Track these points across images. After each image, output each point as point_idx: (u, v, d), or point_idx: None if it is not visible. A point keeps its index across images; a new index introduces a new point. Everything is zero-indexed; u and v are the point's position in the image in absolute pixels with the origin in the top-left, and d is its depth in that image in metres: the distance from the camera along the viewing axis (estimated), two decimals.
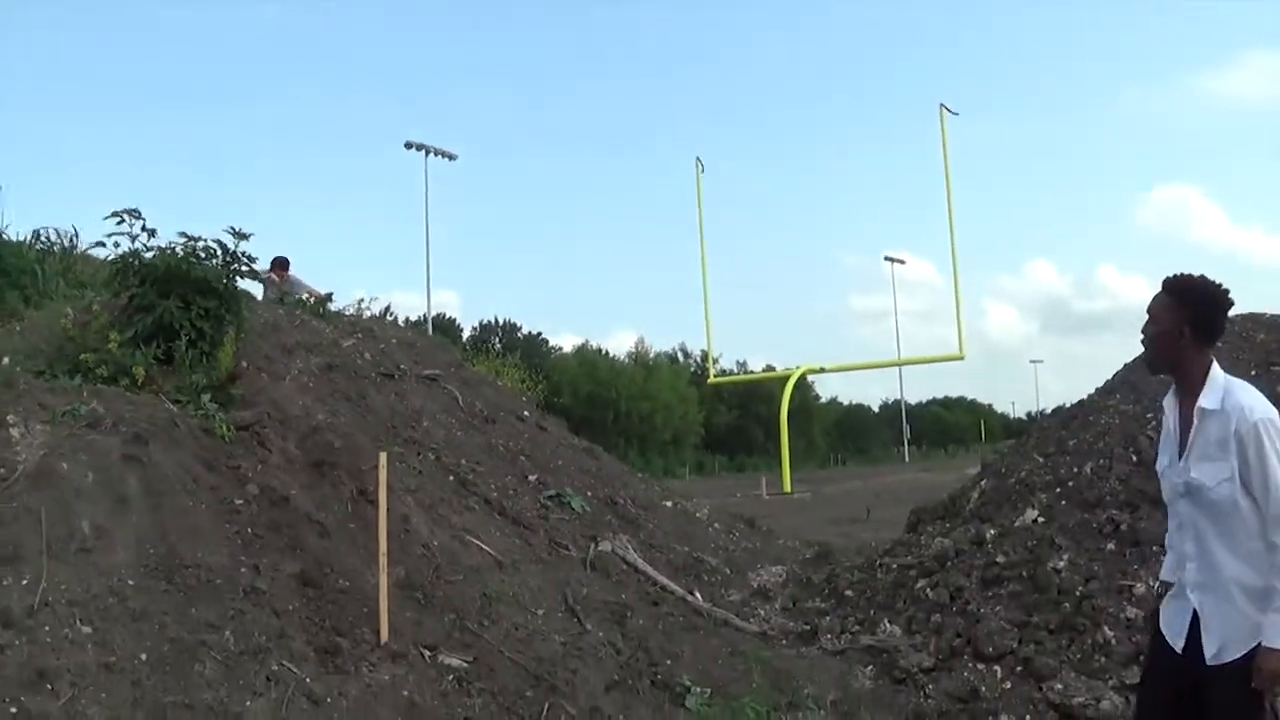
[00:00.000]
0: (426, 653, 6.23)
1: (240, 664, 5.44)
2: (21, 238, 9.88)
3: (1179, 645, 3.66)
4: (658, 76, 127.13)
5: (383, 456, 6.40)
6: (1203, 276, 3.65)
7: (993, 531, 7.91)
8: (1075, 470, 8.09)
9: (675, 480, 55.06)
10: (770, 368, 60.81)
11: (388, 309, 55.98)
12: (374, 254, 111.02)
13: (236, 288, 8.31)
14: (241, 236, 8.26)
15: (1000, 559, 7.49)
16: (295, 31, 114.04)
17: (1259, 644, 3.38)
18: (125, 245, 8.17)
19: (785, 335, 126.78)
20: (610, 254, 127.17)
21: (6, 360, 7.50)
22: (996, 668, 6.62)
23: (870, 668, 7.12)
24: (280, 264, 13.73)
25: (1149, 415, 8.19)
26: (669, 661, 7.16)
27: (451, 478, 8.39)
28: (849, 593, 8.48)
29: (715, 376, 39.93)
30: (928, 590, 7.64)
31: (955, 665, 6.82)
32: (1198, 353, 3.61)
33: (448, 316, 60.10)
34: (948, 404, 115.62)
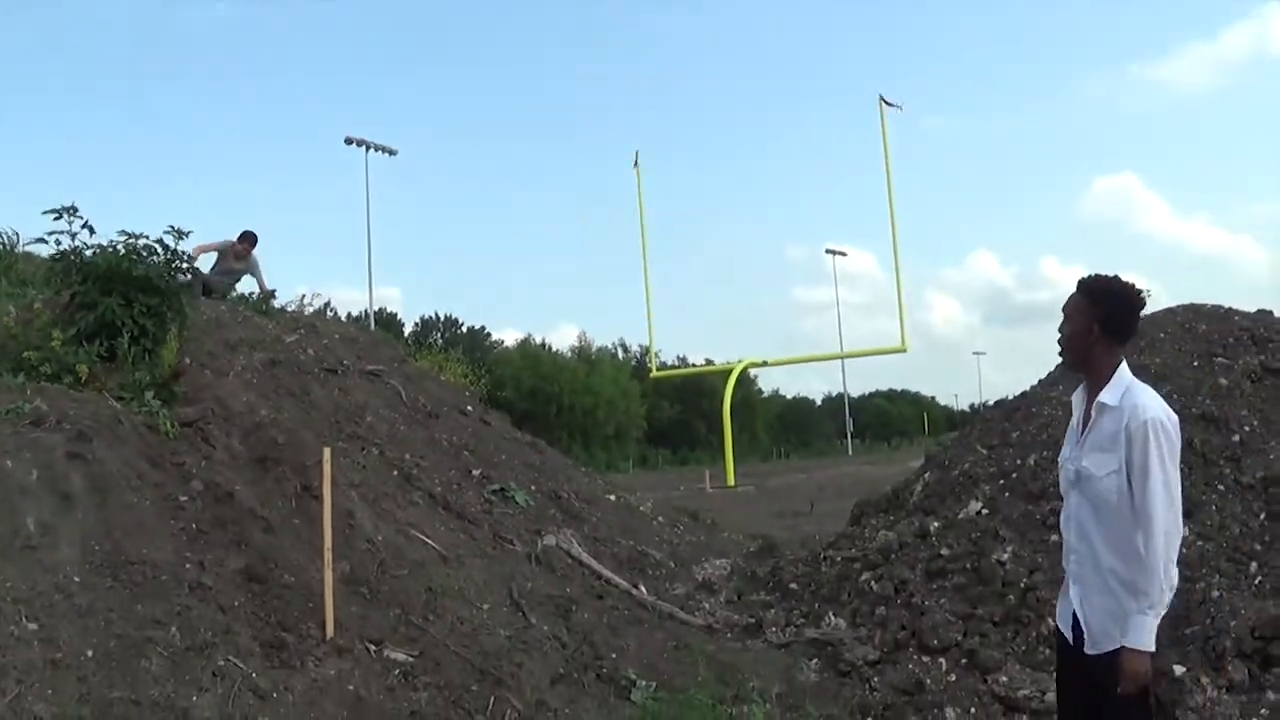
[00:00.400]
0: (372, 647, 6.30)
1: (186, 659, 5.49)
2: None
3: (1070, 636, 3.86)
4: (598, 70, 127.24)
5: (326, 452, 6.46)
6: (1116, 277, 3.83)
7: (936, 524, 8.10)
8: (1019, 462, 8.31)
9: (618, 474, 55.18)
10: (711, 361, 61.36)
11: (328, 305, 55.56)
12: (316, 250, 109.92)
13: (178, 285, 8.30)
14: (181, 235, 8.26)
15: (944, 551, 7.68)
16: (237, 24, 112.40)
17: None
18: (65, 243, 8.13)
19: (729, 329, 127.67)
20: (552, 249, 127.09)
21: None
22: (941, 660, 6.78)
23: (815, 660, 7.27)
24: (248, 238, 13.17)
25: None
26: (614, 655, 7.28)
27: (395, 472, 8.45)
28: (793, 586, 8.65)
29: (657, 370, 40.04)
30: (872, 583, 7.81)
31: (900, 658, 6.98)
32: (1107, 351, 3.77)
33: (389, 312, 59.82)
34: (891, 397, 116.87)
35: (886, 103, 29.32)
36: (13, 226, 10.51)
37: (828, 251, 73.59)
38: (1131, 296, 3.78)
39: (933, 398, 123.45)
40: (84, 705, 5.05)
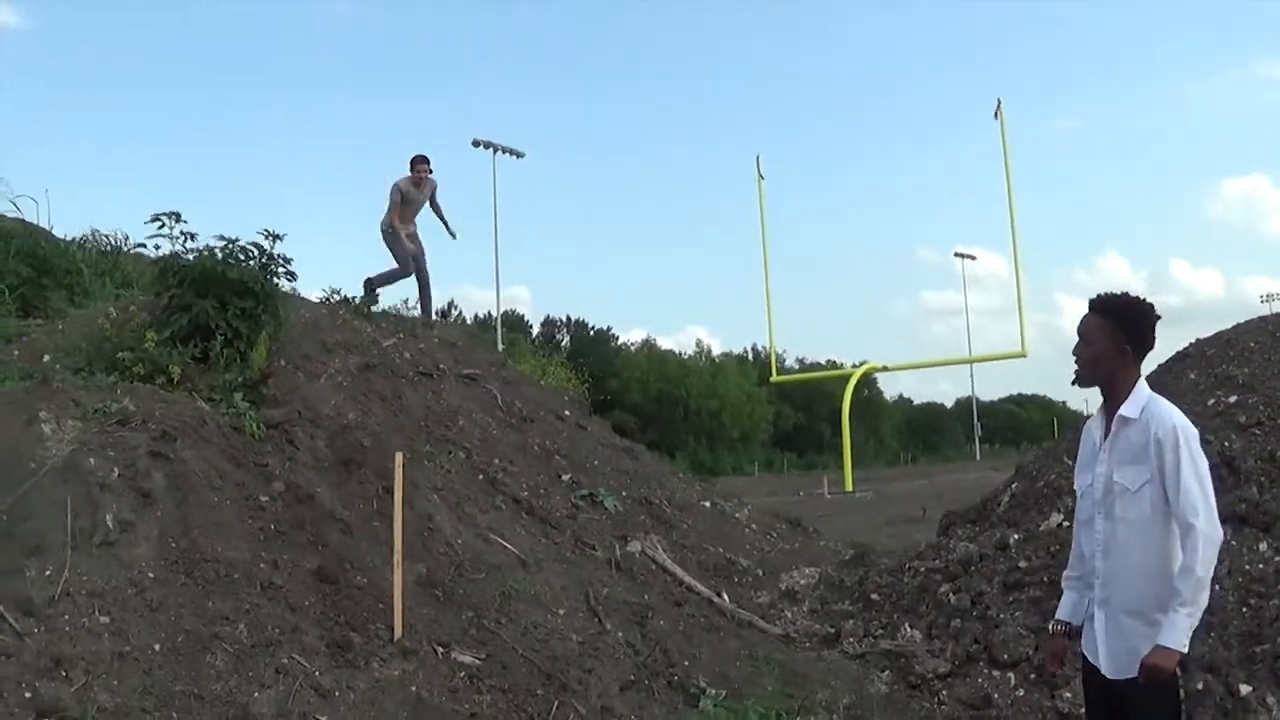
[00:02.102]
0: (440, 649, 6.33)
1: (251, 656, 5.59)
2: (73, 238, 10.16)
3: (1097, 662, 3.76)
4: (722, 71, 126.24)
5: (399, 456, 6.52)
6: (1128, 294, 3.77)
7: (1017, 536, 7.83)
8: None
9: (744, 478, 54.98)
10: (833, 364, 60.63)
11: (451, 304, 56.44)
12: (445, 251, 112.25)
13: (273, 288, 8.48)
14: (276, 238, 8.45)
15: (1023, 564, 7.42)
16: (363, 29, 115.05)
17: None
18: (166, 247, 8.41)
19: (857, 332, 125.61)
20: (680, 251, 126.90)
21: (47, 358, 7.76)
22: (1010, 674, 6.57)
23: (887, 672, 7.08)
24: (422, 160, 12.72)
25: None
26: (686, 663, 7.18)
27: (481, 476, 8.48)
28: (875, 596, 8.44)
29: (777, 374, 39.71)
30: (950, 595, 7.58)
31: (971, 671, 6.76)
32: (1131, 368, 3.73)
33: (517, 313, 60.56)
34: (1020, 401, 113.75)
35: (1000, 108, 28.60)
36: (121, 229, 10.87)
37: (956, 255, 71.99)
38: (1149, 312, 3.76)
39: (1063, 403, 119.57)
40: (147, 697, 5.18)
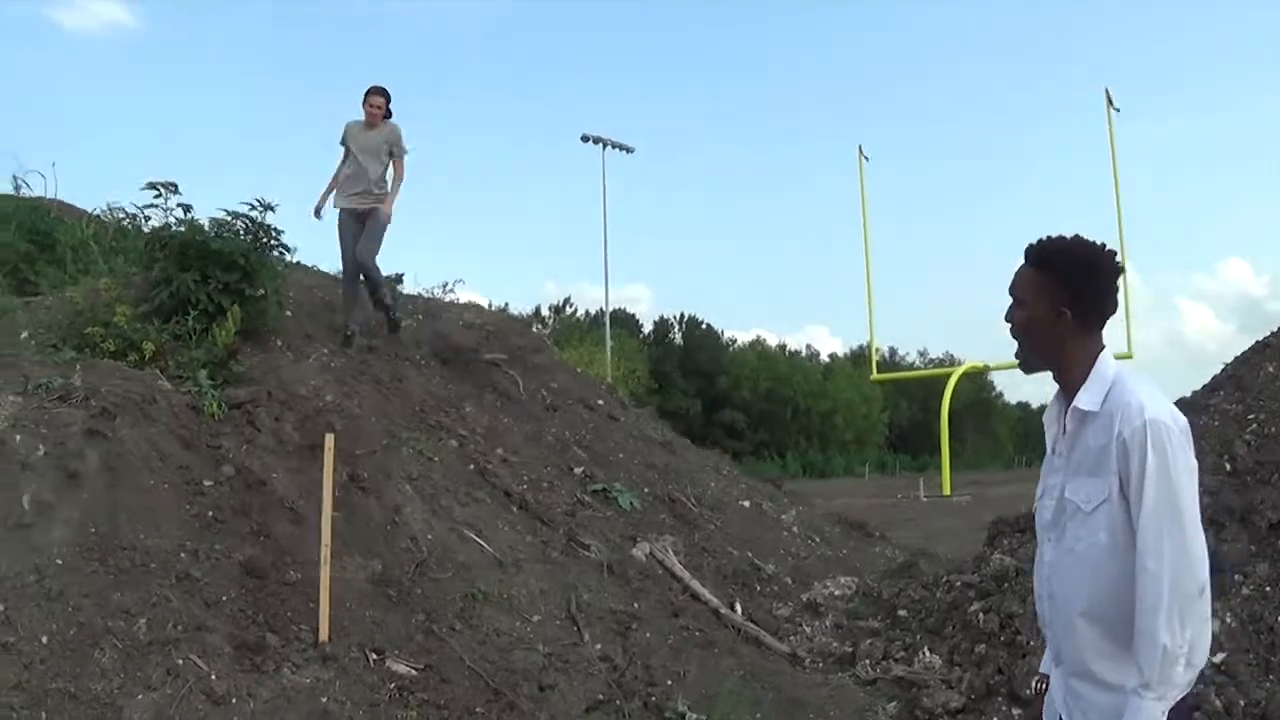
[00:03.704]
0: (373, 656, 5.79)
1: (143, 654, 5.12)
2: (91, 213, 9.91)
3: None
4: (824, 68, 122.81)
5: (329, 438, 6.00)
6: (1078, 237, 2.75)
7: None
8: None
9: (853, 480, 53.66)
10: (936, 361, 58.64)
11: (567, 300, 56.35)
12: (559, 248, 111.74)
13: (262, 261, 8.06)
14: (267, 208, 8.04)
15: None
16: (469, 25, 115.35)
17: None
18: (158, 219, 8.08)
19: (974, 330, 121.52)
20: (802, 249, 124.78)
21: (24, 334, 7.46)
22: None
23: (894, 704, 6.31)
24: (379, 93, 9.32)
25: (1251, 416, 7.01)
26: (669, 682, 6.53)
27: (471, 466, 7.92)
28: (903, 613, 7.62)
29: (877, 373, 38.42)
30: (979, 615, 6.72)
31: (986, 708, 5.95)
32: (1083, 339, 2.72)
33: (628, 311, 60.07)
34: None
35: (1111, 103, 26.99)
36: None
37: None
38: (1106, 263, 2.72)
39: None
40: (18, 693, 4.76)
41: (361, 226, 9.04)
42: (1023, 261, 2.79)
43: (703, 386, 56.76)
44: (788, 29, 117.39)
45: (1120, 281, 2.77)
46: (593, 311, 53.76)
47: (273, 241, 8.18)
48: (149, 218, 8.07)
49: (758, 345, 65.33)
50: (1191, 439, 2.60)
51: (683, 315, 62.31)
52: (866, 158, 35.49)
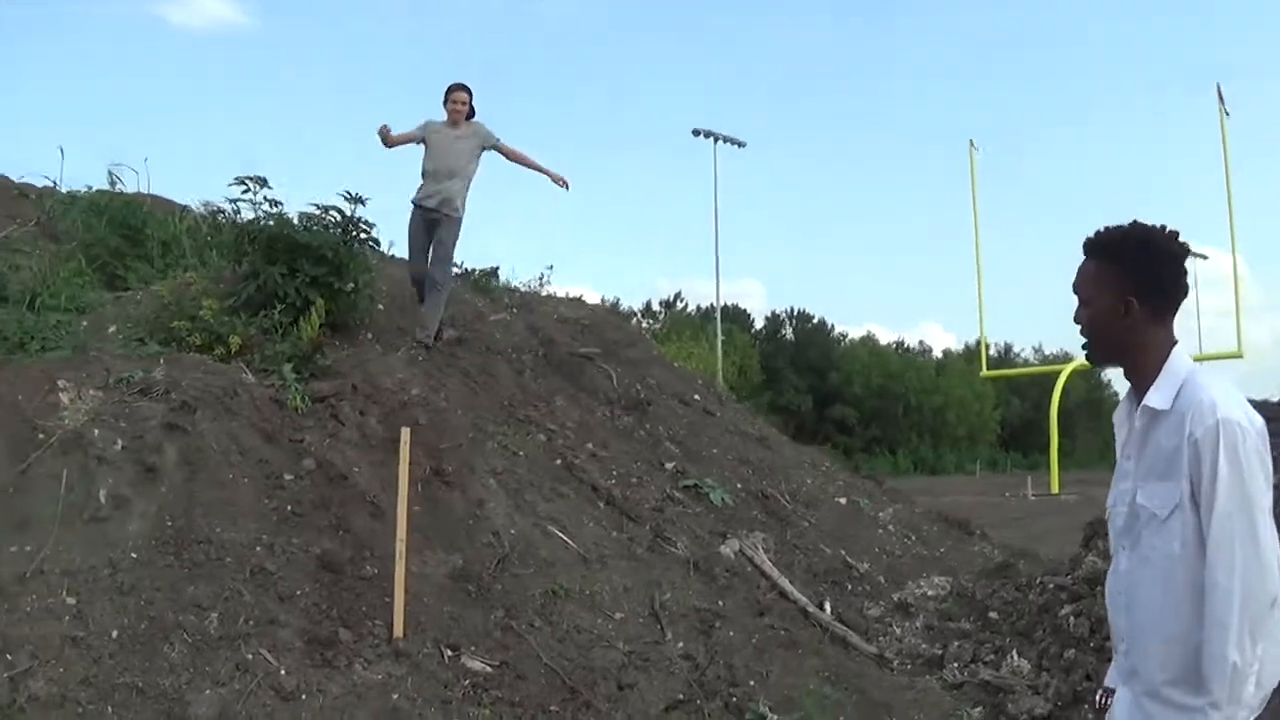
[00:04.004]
0: (448, 653, 5.66)
1: (213, 649, 5.07)
2: (184, 207, 10.03)
3: None
4: (941, 62, 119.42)
5: (406, 432, 5.90)
6: (1136, 223, 2.54)
7: None
8: None
9: (965, 477, 52.39)
10: (1051, 358, 56.90)
11: (678, 295, 56.22)
12: (670, 243, 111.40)
13: (352, 254, 8.02)
14: (358, 201, 8.00)
15: None
16: (580, 19, 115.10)
17: None
18: (249, 212, 8.11)
19: None
20: (918, 246, 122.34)
21: (112, 329, 7.54)
22: None
23: (980, 709, 5.99)
24: (463, 89, 8.75)
25: None
26: (751, 682, 6.28)
27: (559, 461, 7.76)
28: (994, 615, 7.27)
29: (987, 369, 37.42)
30: (1070, 619, 6.35)
31: (1073, 715, 5.67)
32: (1151, 332, 2.53)
33: (740, 306, 59.56)
34: (1255, 404, 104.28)
35: (1222, 100, 25.82)
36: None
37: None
38: (1168, 246, 2.53)
39: None
40: (86, 688, 4.74)
41: (430, 237, 8.54)
42: (1085, 255, 2.59)
43: (814, 382, 56.10)
44: (900, 21, 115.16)
45: (1188, 265, 2.56)
46: (704, 306, 53.45)
47: (363, 234, 8.10)
48: (239, 211, 8.05)
49: (869, 341, 64.35)
50: (1269, 442, 2.40)
51: (793, 310, 61.75)
52: (977, 149, 34.59)
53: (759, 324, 60.52)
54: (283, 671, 5.04)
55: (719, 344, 37.71)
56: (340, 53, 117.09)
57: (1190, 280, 2.58)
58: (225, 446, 6.21)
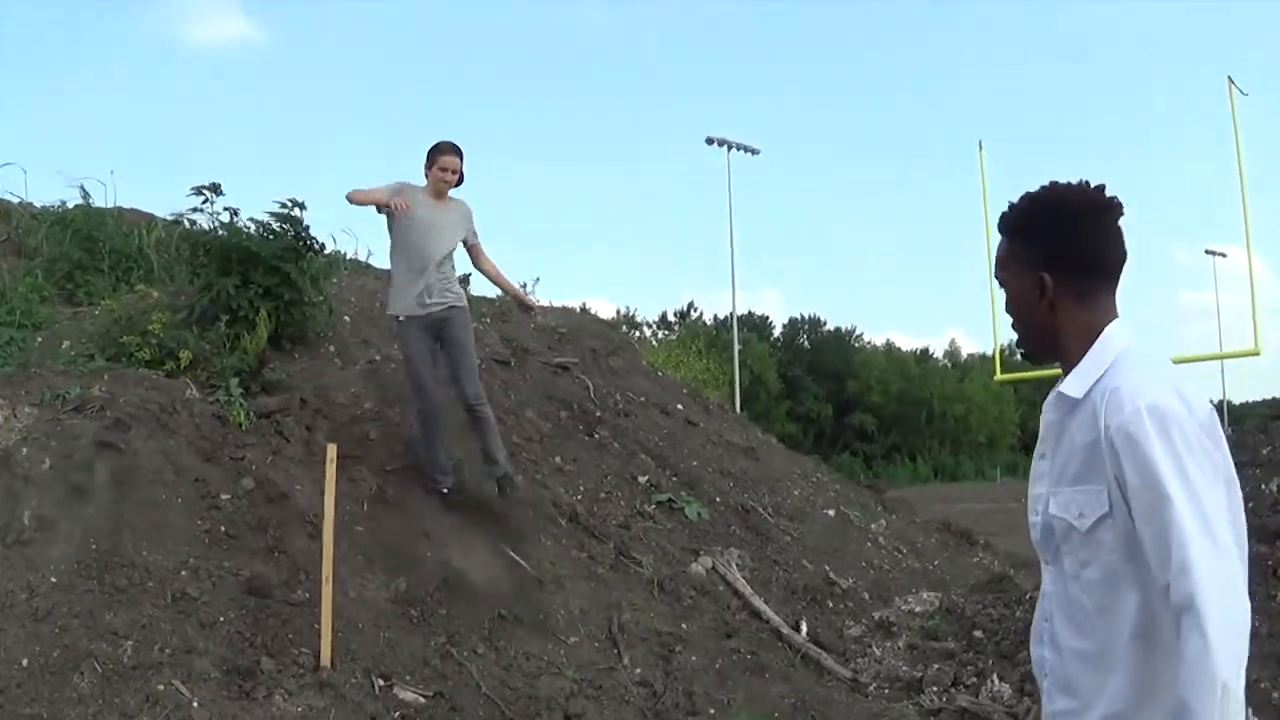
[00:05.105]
0: (380, 683, 5.40)
1: (124, 679, 4.86)
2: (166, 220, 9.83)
3: None
4: (952, 65, 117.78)
5: (331, 449, 5.61)
6: (1050, 185, 2.15)
7: None
8: (1260, 487, 6.13)
9: (983, 484, 51.84)
10: None
11: (691, 305, 56.00)
12: (682, 252, 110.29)
13: (307, 265, 7.80)
14: (299, 206, 7.76)
15: None
16: (597, 30, 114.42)
17: None
18: (201, 223, 7.92)
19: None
20: (934, 248, 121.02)
21: (66, 344, 7.36)
22: None
23: None
24: (456, 152, 6.73)
25: None
26: (712, 710, 6.02)
27: (519, 476, 7.49)
28: (979, 633, 6.95)
29: (1001, 374, 36.87)
30: None
31: None
32: (1078, 309, 2.13)
33: (759, 314, 59.14)
34: (1275, 405, 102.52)
35: (1235, 86, 25.22)
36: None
37: (1207, 252, 64.72)
38: (1085, 203, 2.12)
39: None
40: None
41: (437, 342, 6.78)
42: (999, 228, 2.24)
43: (833, 390, 55.65)
44: (910, 23, 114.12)
45: (1118, 223, 2.15)
46: (722, 316, 53.15)
47: (313, 242, 7.88)
48: (194, 222, 7.86)
49: (888, 348, 63.82)
50: (1220, 437, 2.00)
51: (807, 318, 61.27)
52: (981, 147, 34.05)
53: (778, 333, 60.21)
54: (195, 704, 4.81)
55: (736, 354, 37.42)
56: (349, 68, 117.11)
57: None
58: (159, 465, 5.99)
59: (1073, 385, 2.07)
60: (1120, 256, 2.16)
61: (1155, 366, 2.04)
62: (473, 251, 7.05)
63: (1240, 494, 2.03)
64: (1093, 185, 2.12)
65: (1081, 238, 2.11)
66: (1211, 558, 1.84)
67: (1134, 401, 1.92)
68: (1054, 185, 2.15)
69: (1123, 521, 1.96)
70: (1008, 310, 2.24)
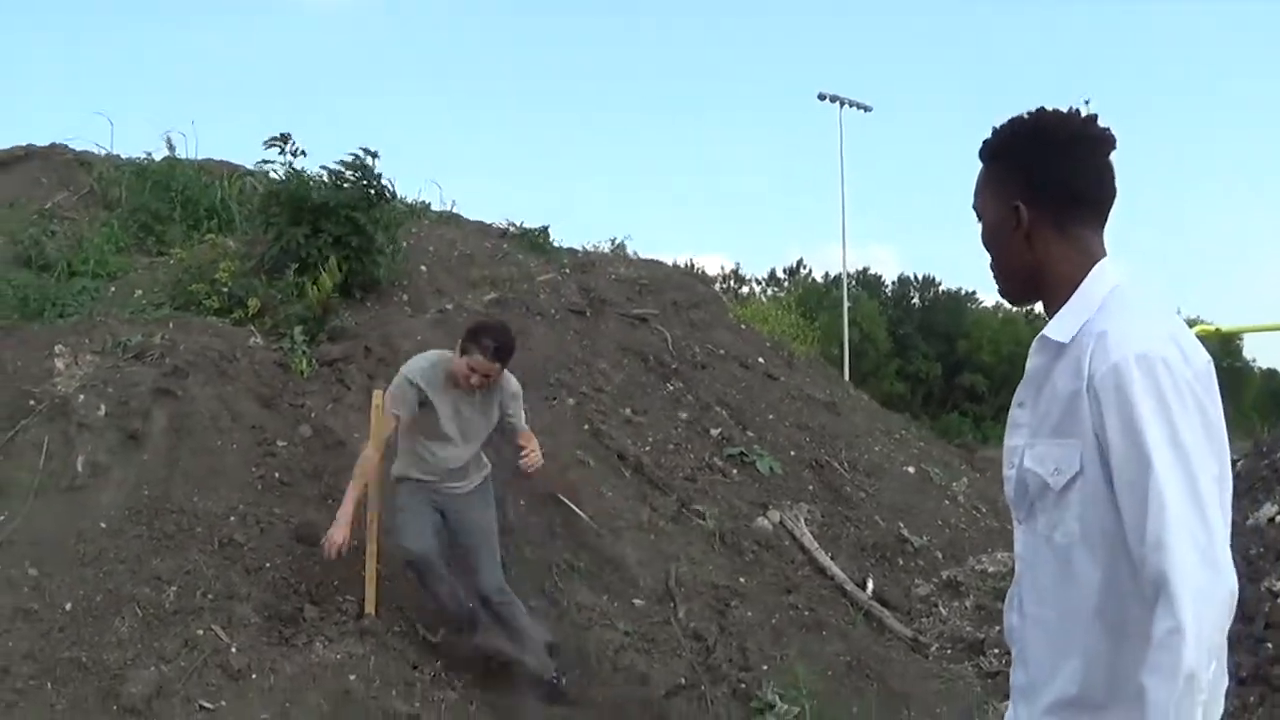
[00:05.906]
0: (424, 632, 5.35)
1: (164, 624, 4.91)
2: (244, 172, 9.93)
3: None
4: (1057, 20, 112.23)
5: (376, 395, 5.54)
6: (1036, 110, 1.93)
7: None
8: None
9: None
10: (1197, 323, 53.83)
11: (800, 262, 55.21)
12: (794, 210, 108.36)
13: (380, 214, 7.77)
14: (373, 155, 7.72)
15: None
16: None
17: None
18: (277, 173, 7.94)
19: (1226, 290, 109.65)
20: None
21: (138, 293, 7.46)
22: None
23: (1009, 702, 5.37)
24: (488, 350, 5.08)
25: None
26: (765, 666, 5.85)
27: (586, 427, 7.39)
28: None
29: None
30: None
31: None
32: (1060, 242, 1.91)
33: (872, 272, 57.87)
34: None
35: None
36: None
37: None
38: (1069, 128, 1.90)
39: None
40: (28, 662, 4.63)
41: (441, 517, 5.34)
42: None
43: (943, 350, 54.33)
44: None
45: (1108, 156, 1.92)
46: (833, 274, 52.30)
47: (385, 190, 7.84)
48: (267, 174, 7.88)
49: (1000, 308, 62.07)
50: (1215, 392, 1.79)
51: (920, 277, 59.82)
52: (1087, 102, 32.75)
53: (889, 291, 58.97)
54: (233, 649, 4.84)
55: (845, 311, 36.82)
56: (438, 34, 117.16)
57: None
58: (216, 412, 6.04)
59: (1057, 328, 1.86)
60: (1109, 194, 1.94)
61: (1149, 309, 1.83)
62: (515, 428, 5.51)
63: (1229, 457, 1.82)
64: (1074, 110, 1.91)
65: (1064, 167, 1.90)
66: (1194, 534, 1.64)
67: (1122, 349, 1.71)
68: (1041, 110, 1.93)
69: (1094, 483, 1.76)
70: (982, 243, 2.02)
